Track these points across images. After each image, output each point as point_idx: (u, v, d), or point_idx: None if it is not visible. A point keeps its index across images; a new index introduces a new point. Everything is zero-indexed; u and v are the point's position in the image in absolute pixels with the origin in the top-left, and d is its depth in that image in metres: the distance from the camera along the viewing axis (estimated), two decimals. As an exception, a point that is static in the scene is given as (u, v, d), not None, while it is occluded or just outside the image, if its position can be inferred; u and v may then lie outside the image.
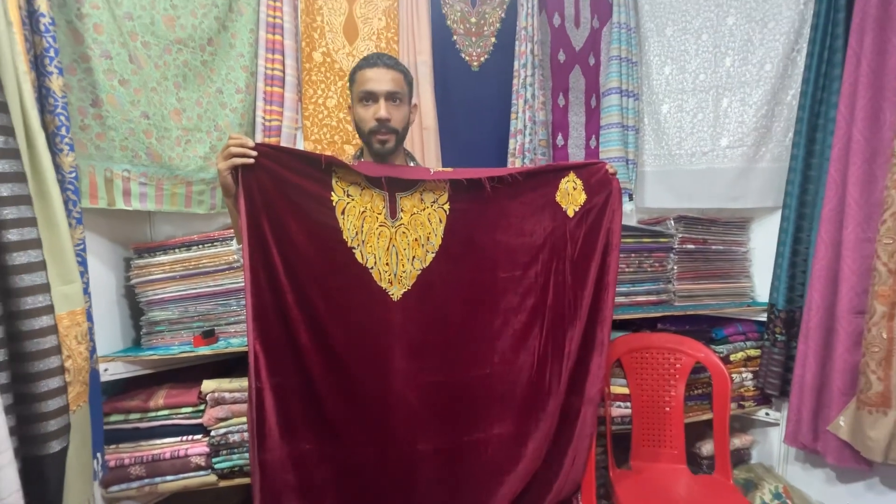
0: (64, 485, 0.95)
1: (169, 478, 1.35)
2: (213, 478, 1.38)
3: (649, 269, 1.84)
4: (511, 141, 1.79)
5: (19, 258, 0.85)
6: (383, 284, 1.17)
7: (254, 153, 1.00)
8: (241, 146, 1.00)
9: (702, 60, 1.80)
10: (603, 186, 1.30)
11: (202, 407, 1.39)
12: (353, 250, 1.13)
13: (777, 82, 1.71)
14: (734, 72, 1.76)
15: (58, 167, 1.02)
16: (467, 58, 1.83)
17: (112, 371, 1.33)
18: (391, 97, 1.16)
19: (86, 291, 1.09)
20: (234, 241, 1.46)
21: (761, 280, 1.91)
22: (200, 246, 1.47)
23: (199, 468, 1.37)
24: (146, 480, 1.34)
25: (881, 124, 1.38)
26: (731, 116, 1.78)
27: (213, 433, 1.38)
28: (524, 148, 1.76)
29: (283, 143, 1.63)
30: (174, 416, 1.38)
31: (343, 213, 1.12)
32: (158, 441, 1.36)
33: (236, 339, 1.48)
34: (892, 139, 1.34)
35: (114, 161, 1.30)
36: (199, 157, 1.49)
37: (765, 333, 1.75)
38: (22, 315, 0.86)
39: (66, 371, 0.95)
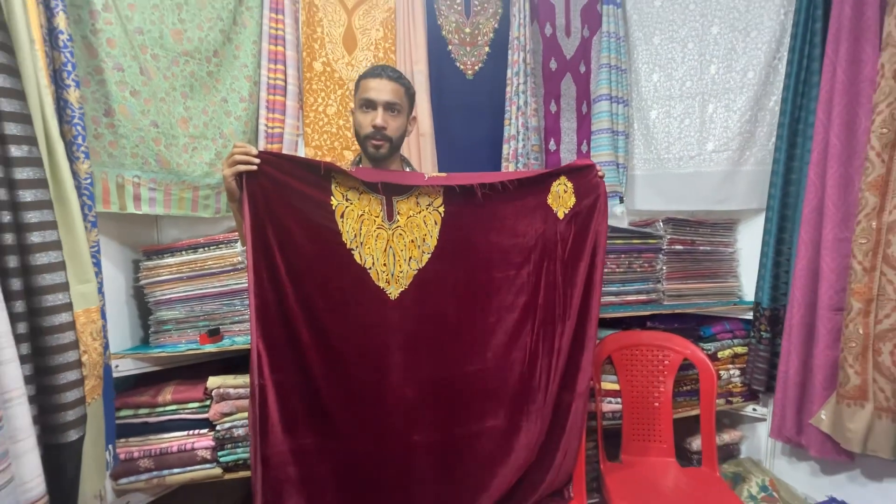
0: (81, 473, 1.01)
1: (176, 470, 1.40)
2: (218, 470, 1.43)
3: (639, 270, 1.90)
4: (505, 146, 1.86)
5: (41, 258, 0.92)
6: (381, 284, 1.21)
7: (257, 160, 1.05)
8: (245, 154, 1.05)
9: (688, 68, 1.87)
10: (592, 190, 1.36)
11: (208, 402, 1.44)
12: (352, 252, 1.18)
13: (760, 89, 1.78)
14: (719, 79, 1.83)
15: (75, 174, 1.08)
16: (462, 66, 1.90)
17: (122, 368, 1.39)
18: (389, 107, 1.24)
19: (100, 291, 1.15)
20: (239, 244, 1.52)
21: (748, 279, 1.97)
22: (206, 248, 1.53)
23: (204, 461, 1.42)
24: (154, 473, 1.39)
25: (856, 129, 1.44)
26: (716, 122, 1.85)
27: (218, 427, 1.43)
28: (517, 153, 1.83)
29: (285, 150, 1.69)
30: (181, 411, 1.43)
31: (342, 216, 1.17)
32: (166, 435, 1.41)
33: (240, 337, 1.54)
34: (866, 143, 1.40)
35: (125, 168, 1.36)
36: (205, 163, 1.55)
37: (751, 331, 1.81)
38: (43, 312, 0.93)
39: (82, 365, 1.01)
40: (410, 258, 1.24)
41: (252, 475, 1.13)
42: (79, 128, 1.10)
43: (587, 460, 1.61)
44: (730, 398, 1.89)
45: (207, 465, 1.42)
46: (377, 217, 1.21)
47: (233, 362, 1.63)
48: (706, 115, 1.86)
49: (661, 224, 1.90)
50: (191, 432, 1.43)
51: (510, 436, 1.35)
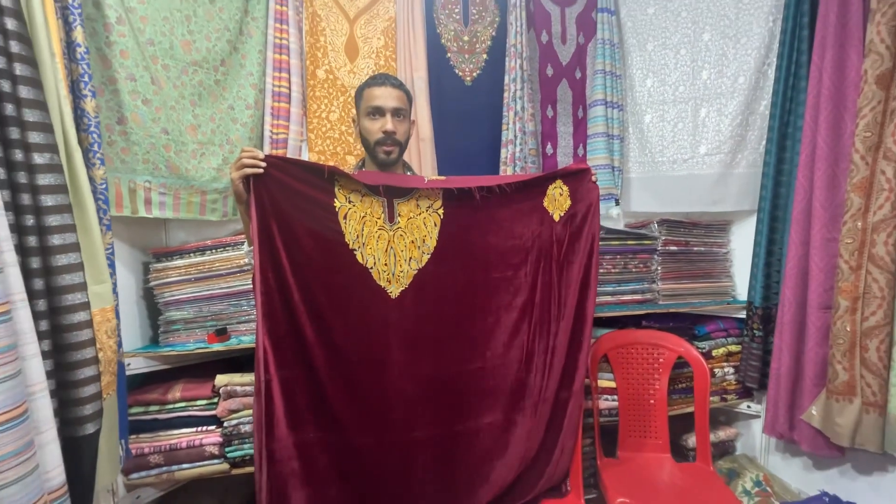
0: (97, 465, 1.06)
1: (185, 466, 1.44)
2: (225, 466, 1.47)
3: (635, 270, 1.94)
4: (503, 150, 1.91)
5: (61, 260, 0.97)
6: (382, 283, 1.26)
7: (264, 164, 1.10)
8: (253, 158, 1.10)
9: (681, 73, 1.92)
10: (587, 193, 1.40)
11: (216, 399, 1.48)
12: (355, 252, 1.23)
13: (750, 94, 1.83)
14: (711, 84, 1.88)
15: (91, 179, 1.13)
16: (461, 73, 1.95)
17: (134, 366, 1.44)
18: (396, 113, 1.30)
19: (114, 291, 1.20)
20: (245, 245, 1.56)
21: (741, 279, 2.01)
22: (214, 250, 1.58)
23: (212, 457, 1.45)
24: (164, 468, 1.42)
25: (842, 133, 1.49)
26: (708, 126, 1.90)
27: (225, 424, 1.46)
28: (515, 157, 1.88)
29: (290, 155, 1.74)
30: (190, 408, 1.47)
31: (345, 217, 1.22)
32: (175, 431, 1.45)
33: (247, 336, 1.59)
34: (851, 147, 1.44)
35: (136, 173, 1.42)
36: (213, 168, 1.61)
37: (744, 329, 1.85)
38: (62, 310, 0.98)
39: (98, 362, 1.06)
40: (411, 258, 1.29)
41: (256, 470, 1.16)
42: (95, 136, 1.16)
43: (585, 456, 1.65)
44: (725, 395, 1.92)
45: (215, 461, 1.46)
46: (379, 219, 1.25)
47: (238, 361, 1.67)
48: (699, 119, 1.91)
49: (656, 225, 1.95)
50: (199, 429, 1.46)
51: (507, 432, 1.38)
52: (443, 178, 1.33)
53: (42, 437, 0.87)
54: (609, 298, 1.90)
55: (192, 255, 1.57)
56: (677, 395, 1.85)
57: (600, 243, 1.44)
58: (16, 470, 0.79)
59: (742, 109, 1.84)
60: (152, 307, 1.62)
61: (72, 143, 1.04)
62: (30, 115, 0.92)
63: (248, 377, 1.49)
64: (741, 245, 2.02)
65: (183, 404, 1.47)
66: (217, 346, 1.51)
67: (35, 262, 0.93)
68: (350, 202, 1.22)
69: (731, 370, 1.91)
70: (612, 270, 1.91)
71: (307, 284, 1.18)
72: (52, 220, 0.95)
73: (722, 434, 1.96)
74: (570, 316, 1.40)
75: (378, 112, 1.29)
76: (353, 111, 1.40)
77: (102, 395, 1.07)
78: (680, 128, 1.94)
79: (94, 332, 1.03)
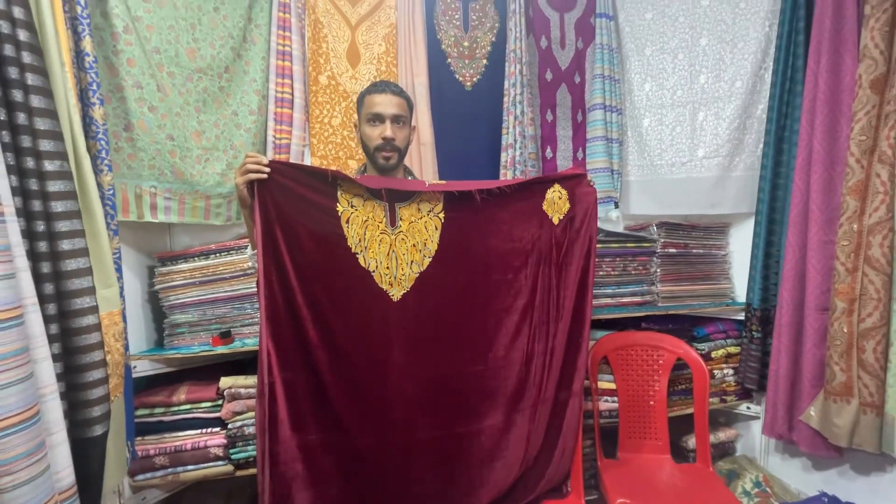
0: (104, 465, 1.08)
1: (190, 467, 1.45)
2: (229, 467, 1.48)
3: (634, 272, 1.96)
4: (503, 154, 1.93)
5: (70, 264, 0.99)
6: (384, 286, 1.27)
7: (267, 169, 1.12)
8: (257, 163, 1.11)
9: (679, 78, 1.94)
10: (585, 197, 1.42)
11: (220, 402, 1.50)
12: (357, 255, 1.24)
13: (747, 97, 1.85)
14: (708, 88, 1.90)
15: (99, 185, 1.16)
16: (461, 78, 1.97)
17: (139, 369, 1.46)
18: (396, 119, 1.32)
19: (120, 295, 1.22)
20: (249, 248, 1.59)
21: (740, 281, 2.03)
22: (218, 254, 1.60)
23: (217, 458, 1.47)
24: (169, 470, 1.44)
25: (837, 136, 1.51)
26: (706, 129, 1.92)
27: (230, 426, 1.48)
28: (515, 160, 1.90)
29: (293, 159, 1.76)
30: (194, 411, 1.49)
31: (347, 221, 1.23)
32: (180, 433, 1.47)
33: (250, 339, 1.61)
34: (846, 150, 1.46)
35: (142, 178, 1.44)
36: (217, 173, 1.63)
37: (743, 331, 1.86)
38: (72, 314, 1.00)
39: (106, 364, 1.08)
40: (412, 262, 1.30)
41: (258, 472, 1.17)
42: (102, 143, 1.18)
43: (585, 457, 1.67)
44: (724, 397, 1.94)
45: (219, 463, 1.48)
46: (381, 222, 1.27)
47: (242, 364, 1.69)
48: (697, 122, 1.93)
49: (655, 228, 1.97)
50: (204, 431, 1.48)
51: (507, 433, 1.39)
52: (443, 182, 1.35)
53: (53, 438, 0.89)
54: (609, 300, 1.92)
55: (196, 258, 1.59)
56: (677, 396, 1.87)
57: (600, 246, 1.46)
58: (28, 470, 0.81)
59: (739, 113, 1.86)
60: (157, 310, 1.64)
61: (81, 150, 1.06)
62: (41, 124, 0.94)
63: (252, 379, 1.51)
64: (740, 247, 2.03)
65: (188, 406, 1.49)
66: (221, 349, 1.53)
67: (45, 267, 0.95)
68: (352, 206, 1.24)
69: (731, 371, 1.93)
70: (612, 273, 1.93)
71: (310, 288, 1.20)
72: (62, 226, 0.97)
73: (722, 435, 1.97)
74: (569, 317, 1.42)
75: (378, 119, 1.32)
76: (355, 116, 1.42)
77: (110, 397, 1.09)
78: (678, 131, 1.96)
79: (102, 336, 1.06)
